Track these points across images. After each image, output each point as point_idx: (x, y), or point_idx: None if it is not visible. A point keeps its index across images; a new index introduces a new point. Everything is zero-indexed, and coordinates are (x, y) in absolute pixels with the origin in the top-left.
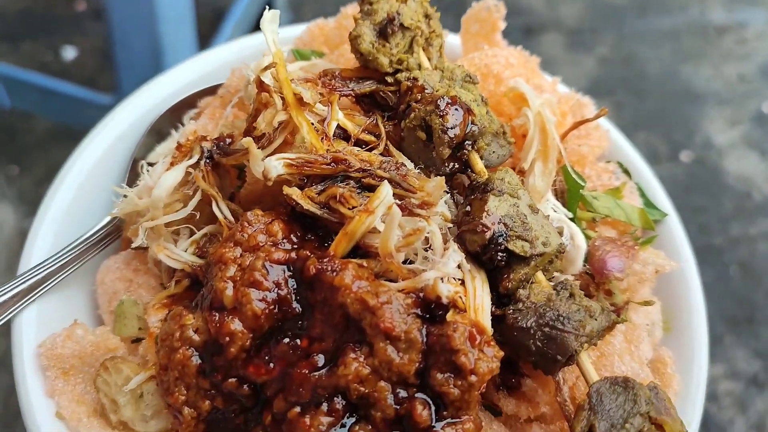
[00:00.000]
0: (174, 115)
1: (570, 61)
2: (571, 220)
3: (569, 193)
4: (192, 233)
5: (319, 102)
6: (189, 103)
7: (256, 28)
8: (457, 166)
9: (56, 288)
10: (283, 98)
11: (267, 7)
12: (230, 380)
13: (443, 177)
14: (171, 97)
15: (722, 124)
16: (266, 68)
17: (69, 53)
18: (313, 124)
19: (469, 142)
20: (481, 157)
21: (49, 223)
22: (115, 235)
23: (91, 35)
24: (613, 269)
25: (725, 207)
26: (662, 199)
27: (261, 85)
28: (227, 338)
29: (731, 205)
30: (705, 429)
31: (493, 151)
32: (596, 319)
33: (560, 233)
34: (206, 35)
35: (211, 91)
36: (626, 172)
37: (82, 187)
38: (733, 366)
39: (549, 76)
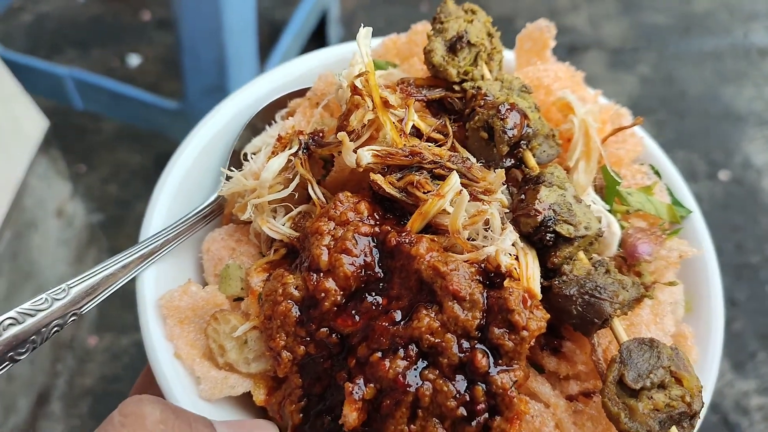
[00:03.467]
0: (267, 113)
1: (611, 79)
2: (608, 211)
3: (607, 189)
4: (287, 212)
5: (396, 108)
6: (280, 103)
7: (311, 40)
8: (513, 162)
9: (169, 254)
10: (372, 101)
11: (362, 25)
12: (322, 330)
13: (503, 170)
14: (266, 97)
15: (762, 145)
16: (359, 75)
17: (134, 60)
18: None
19: (524, 142)
20: (534, 155)
21: (164, 200)
22: (217, 212)
23: (154, 44)
24: (642, 253)
25: (762, 226)
26: (688, 199)
27: (355, 89)
28: (323, 294)
29: None
30: None
31: (544, 151)
32: (628, 291)
33: (599, 221)
34: (265, 46)
35: (299, 93)
36: (657, 173)
37: (191, 170)
38: (765, 382)
39: (591, 89)
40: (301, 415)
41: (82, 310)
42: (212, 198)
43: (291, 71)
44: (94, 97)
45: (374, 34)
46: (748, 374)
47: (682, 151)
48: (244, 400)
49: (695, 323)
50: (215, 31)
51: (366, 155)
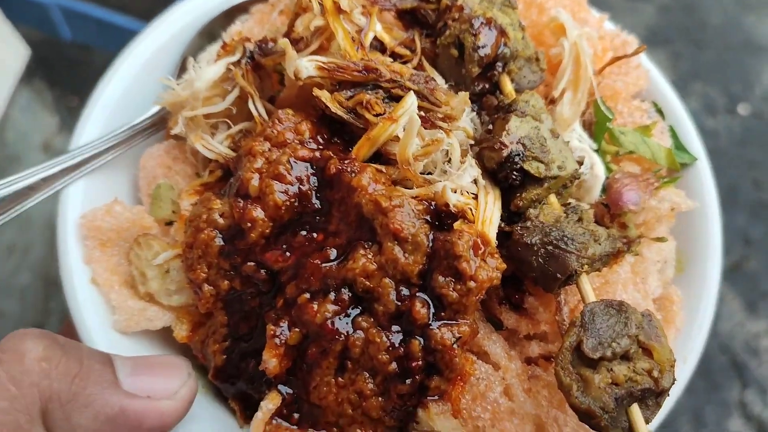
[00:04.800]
0: (227, 20)
1: (628, 8)
2: (596, 151)
3: (596, 125)
4: (229, 128)
5: (361, 14)
6: (242, 8)
7: None
8: (487, 86)
9: (103, 168)
10: (321, 4)
11: None
12: (249, 264)
13: (467, 93)
14: (224, 3)
15: None
16: None
17: None
18: (350, 33)
19: (500, 64)
20: (512, 81)
21: (101, 108)
22: (160, 126)
23: None
24: (628, 202)
25: None
26: (696, 144)
27: None
28: (249, 224)
29: None
30: (743, 383)
31: (524, 76)
32: (600, 244)
33: (581, 162)
34: None
35: None
36: (660, 112)
37: (135, 78)
38: None
39: (597, 12)
40: (224, 356)
41: None
42: (152, 110)
43: None
44: (82, 27)
45: None
46: (760, 314)
47: (699, 84)
48: (167, 336)
49: (686, 286)
50: None
51: (307, 66)
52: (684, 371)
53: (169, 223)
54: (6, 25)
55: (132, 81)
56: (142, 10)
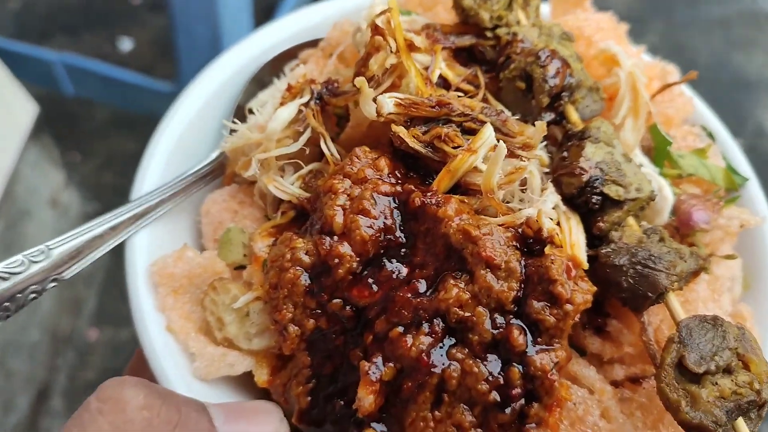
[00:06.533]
0: (275, 66)
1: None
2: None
3: (656, 150)
4: (296, 170)
5: (422, 52)
6: (290, 54)
7: None
8: (553, 116)
9: (163, 216)
10: (395, 41)
11: None
12: (335, 301)
13: (544, 122)
14: (272, 49)
15: None
16: (381, 14)
17: (126, 44)
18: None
19: (566, 94)
20: (576, 110)
21: (159, 157)
22: (218, 172)
23: (147, 27)
24: (699, 221)
25: None
26: (744, 165)
27: (376, 29)
28: (336, 260)
29: None
30: None
31: (587, 105)
32: (686, 261)
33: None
34: (263, 22)
35: (311, 44)
36: (710, 135)
37: (190, 126)
38: None
39: (635, 45)
40: (308, 398)
41: (63, 274)
42: (214, 155)
43: (301, 20)
44: (85, 83)
45: None
46: None
47: None
48: (245, 381)
49: (753, 303)
50: (209, 7)
51: (388, 103)
52: None
53: (239, 267)
54: (14, 83)
55: (187, 128)
56: (142, 66)
